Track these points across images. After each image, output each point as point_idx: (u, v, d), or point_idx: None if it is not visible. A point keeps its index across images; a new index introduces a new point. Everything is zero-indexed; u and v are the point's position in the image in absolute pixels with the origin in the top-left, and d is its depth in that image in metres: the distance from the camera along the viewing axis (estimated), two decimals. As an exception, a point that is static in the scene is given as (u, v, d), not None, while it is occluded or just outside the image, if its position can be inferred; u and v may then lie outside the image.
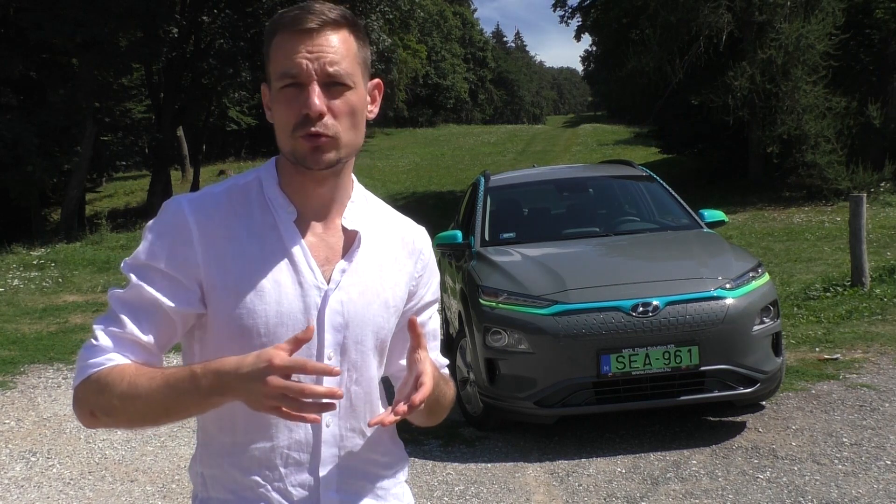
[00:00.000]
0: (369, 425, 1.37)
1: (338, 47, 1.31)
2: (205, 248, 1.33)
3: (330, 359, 1.36)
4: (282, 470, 1.36)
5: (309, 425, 1.36)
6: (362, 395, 1.41)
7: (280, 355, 1.16)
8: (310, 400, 1.17)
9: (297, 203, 1.38)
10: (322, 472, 1.38)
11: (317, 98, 1.28)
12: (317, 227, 1.39)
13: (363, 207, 1.46)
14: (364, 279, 1.40)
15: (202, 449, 1.43)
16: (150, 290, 1.31)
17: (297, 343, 1.18)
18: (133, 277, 1.33)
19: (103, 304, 10.09)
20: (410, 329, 1.33)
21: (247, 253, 1.34)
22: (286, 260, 1.35)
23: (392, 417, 1.27)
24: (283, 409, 1.16)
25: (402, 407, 1.27)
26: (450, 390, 1.53)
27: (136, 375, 1.27)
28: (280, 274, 1.34)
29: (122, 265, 1.37)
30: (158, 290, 1.31)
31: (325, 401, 1.18)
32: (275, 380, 1.15)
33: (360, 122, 1.36)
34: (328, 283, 1.36)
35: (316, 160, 1.32)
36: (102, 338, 1.31)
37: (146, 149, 24.59)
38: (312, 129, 1.29)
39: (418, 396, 1.28)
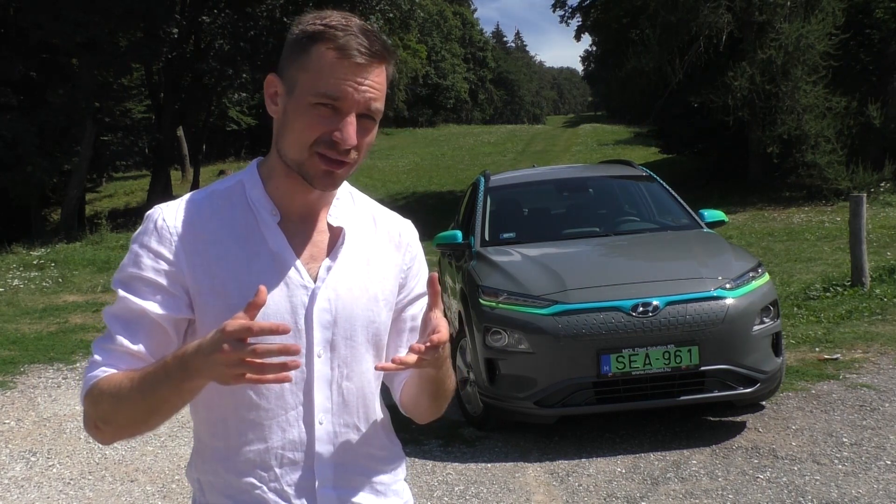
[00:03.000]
0: (376, 369, 1.38)
1: (380, 84, 1.33)
2: (188, 253, 1.34)
3: (319, 356, 1.37)
4: (277, 470, 1.36)
5: (303, 424, 1.36)
6: (355, 390, 1.41)
7: (232, 322, 1.15)
8: (270, 360, 1.15)
9: (282, 206, 1.39)
10: (318, 470, 1.38)
11: (354, 131, 1.30)
12: (301, 226, 1.40)
13: (348, 205, 1.47)
14: (351, 274, 1.41)
15: (196, 456, 1.43)
16: (136, 300, 1.33)
17: (253, 307, 1.16)
18: (120, 291, 1.35)
19: (103, 304, 10.08)
20: (429, 286, 1.34)
21: (231, 256, 1.35)
22: (271, 261, 1.36)
23: (411, 357, 1.26)
24: (248, 375, 1.15)
25: (420, 346, 1.26)
26: (451, 378, 1.52)
27: (122, 379, 1.28)
28: (265, 275, 1.34)
29: (112, 281, 1.39)
30: (145, 300, 1.32)
31: (284, 358, 1.16)
32: (229, 345, 1.14)
33: None
34: (315, 282, 1.37)
35: (325, 184, 1.34)
36: (97, 354, 1.34)
37: (146, 149, 24.58)
38: (339, 157, 1.31)
39: (437, 336, 1.28)
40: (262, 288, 1.18)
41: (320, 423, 1.37)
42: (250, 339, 1.15)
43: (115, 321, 1.34)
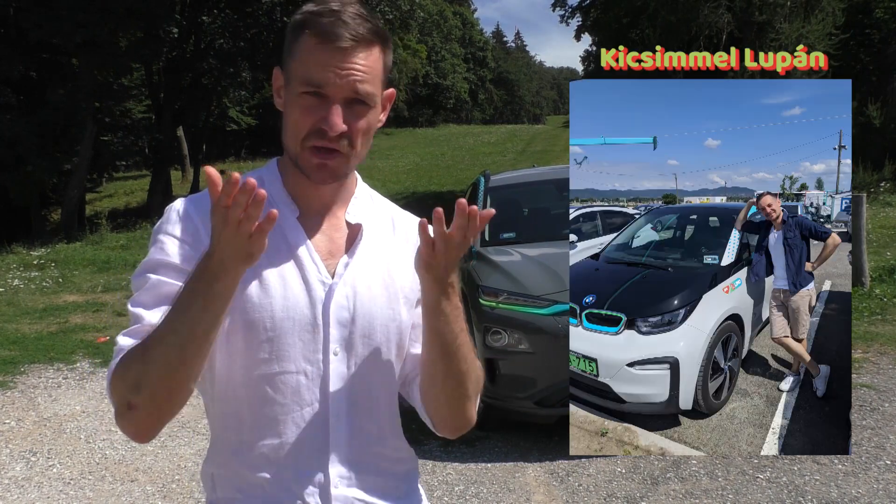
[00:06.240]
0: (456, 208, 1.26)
1: (367, 66, 1.29)
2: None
3: (336, 354, 1.35)
4: (291, 466, 1.35)
5: (318, 421, 1.34)
6: (371, 389, 1.39)
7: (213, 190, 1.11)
8: (244, 197, 1.09)
9: (301, 201, 1.39)
10: (331, 468, 1.36)
11: (338, 118, 1.28)
12: (320, 222, 1.40)
13: (367, 203, 1.47)
14: (369, 272, 1.40)
15: (211, 448, 1.43)
16: (167, 281, 1.29)
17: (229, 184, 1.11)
18: (149, 276, 1.31)
19: (103, 304, 10.09)
20: (421, 231, 1.26)
21: None
22: (290, 255, 1.35)
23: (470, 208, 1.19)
24: (255, 227, 1.10)
25: (474, 209, 1.19)
26: (470, 370, 1.41)
27: (148, 331, 1.24)
28: (284, 269, 1.34)
29: (132, 278, 1.35)
30: (178, 281, 1.28)
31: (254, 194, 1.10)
32: (222, 212, 1.10)
33: (371, 137, 1.37)
34: (332, 277, 1.36)
35: (321, 177, 1.33)
36: (123, 339, 1.28)
37: (146, 149, 24.62)
38: (328, 144, 1.29)
39: (486, 212, 1.21)
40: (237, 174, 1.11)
41: (335, 420, 1.36)
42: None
43: (140, 305, 1.29)
